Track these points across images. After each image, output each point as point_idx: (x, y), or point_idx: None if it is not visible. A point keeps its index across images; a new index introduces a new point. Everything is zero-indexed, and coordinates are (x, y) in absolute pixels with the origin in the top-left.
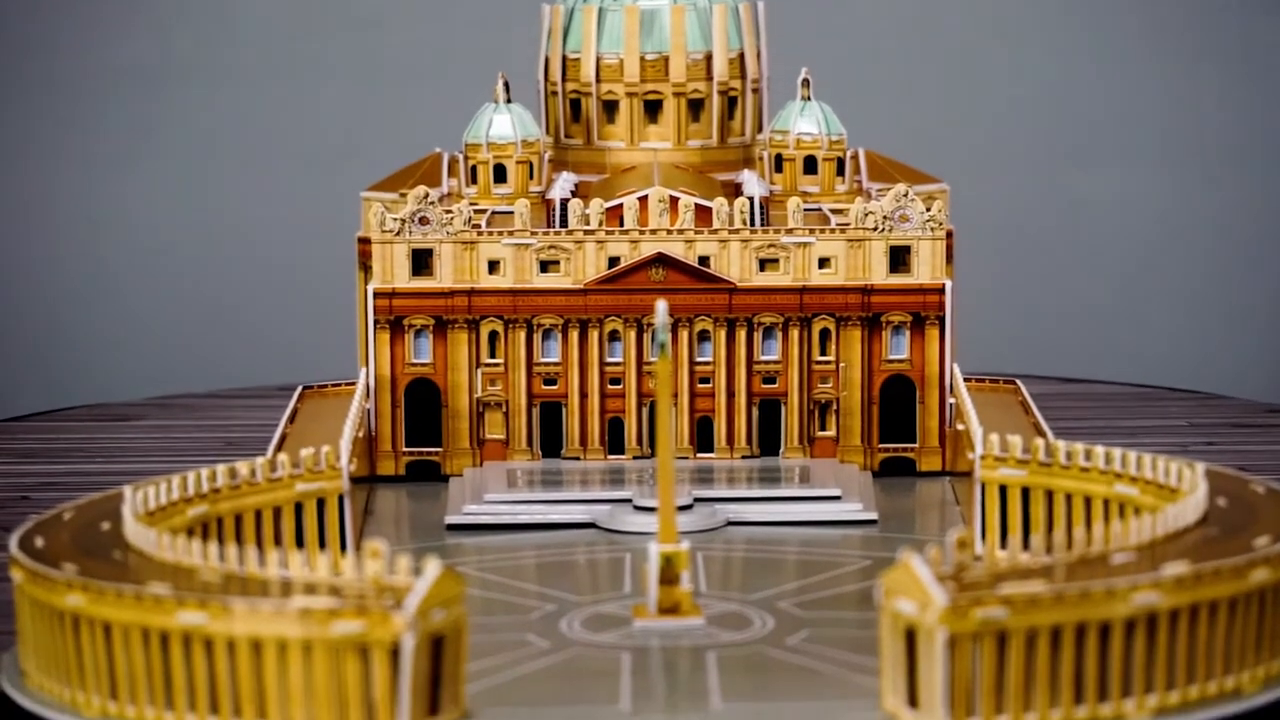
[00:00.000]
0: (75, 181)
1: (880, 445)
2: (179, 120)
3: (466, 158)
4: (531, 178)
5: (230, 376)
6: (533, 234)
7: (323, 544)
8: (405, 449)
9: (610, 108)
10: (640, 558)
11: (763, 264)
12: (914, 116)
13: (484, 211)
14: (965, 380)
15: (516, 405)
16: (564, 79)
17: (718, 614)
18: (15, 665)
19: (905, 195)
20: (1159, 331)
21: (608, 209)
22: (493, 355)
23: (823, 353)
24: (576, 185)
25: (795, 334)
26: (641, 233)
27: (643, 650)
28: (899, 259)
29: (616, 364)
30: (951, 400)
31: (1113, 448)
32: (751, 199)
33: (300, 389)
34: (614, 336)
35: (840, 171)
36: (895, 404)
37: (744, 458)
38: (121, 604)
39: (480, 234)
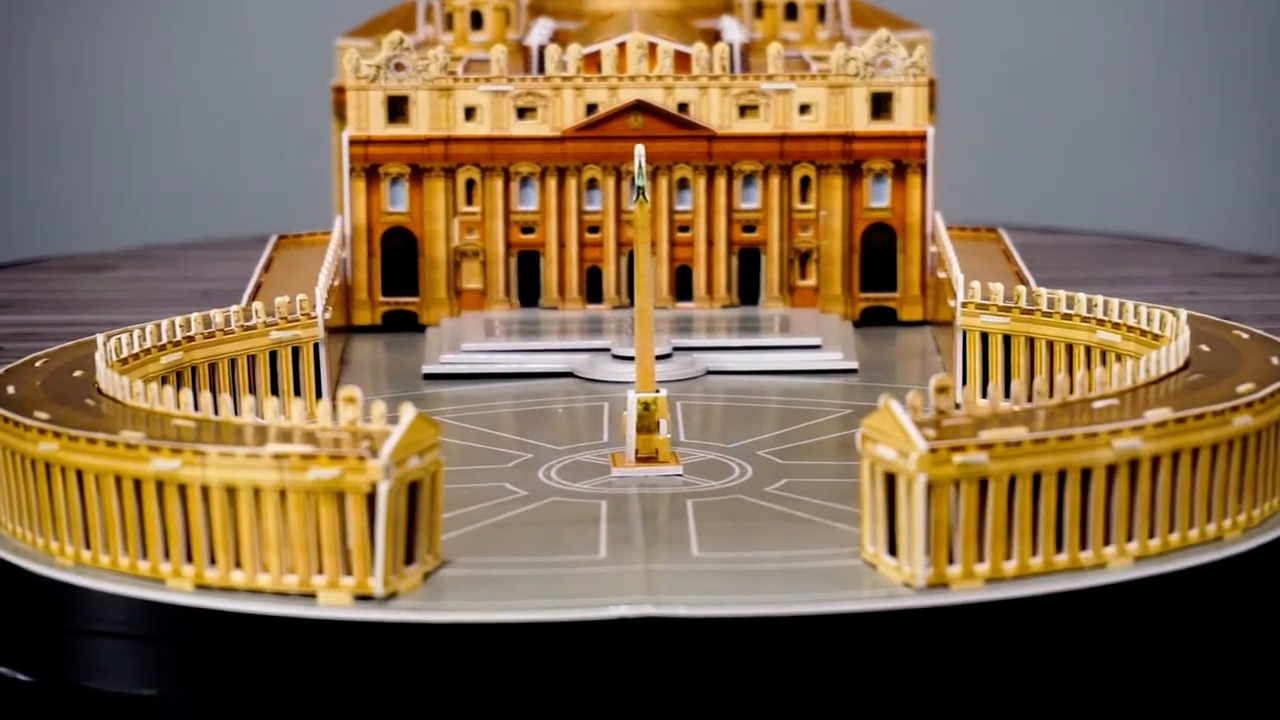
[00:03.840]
0: (47, 35)
1: (861, 294)
2: None
3: (443, 4)
4: (508, 24)
5: (205, 226)
6: (510, 80)
7: (298, 393)
8: (381, 298)
9: None
10: (619, 406)
11: (743, 111)
12: None
13: (460, 58)
14: (947, 229)
15: (494, 254)
16: None
17: (696, 462)
18: None
19: (887, 41)
20: (1142, 180)
21: (586, 55)
22: (470, 204)
23: (803, 201)
24: (555, 32)
25: (775, 182)
26: (620, 79)
27: (621, 498)
28: (880, 106)
29: (595, 212)
30: (933, 249)
31: (1095, 295)
32: (731, 45)
33: (275, 238)
34: (592, 184)
35: (822, 18)
36: (876, 253)
37: (724, 307)
38: (94, 451)
39: (456, 80)
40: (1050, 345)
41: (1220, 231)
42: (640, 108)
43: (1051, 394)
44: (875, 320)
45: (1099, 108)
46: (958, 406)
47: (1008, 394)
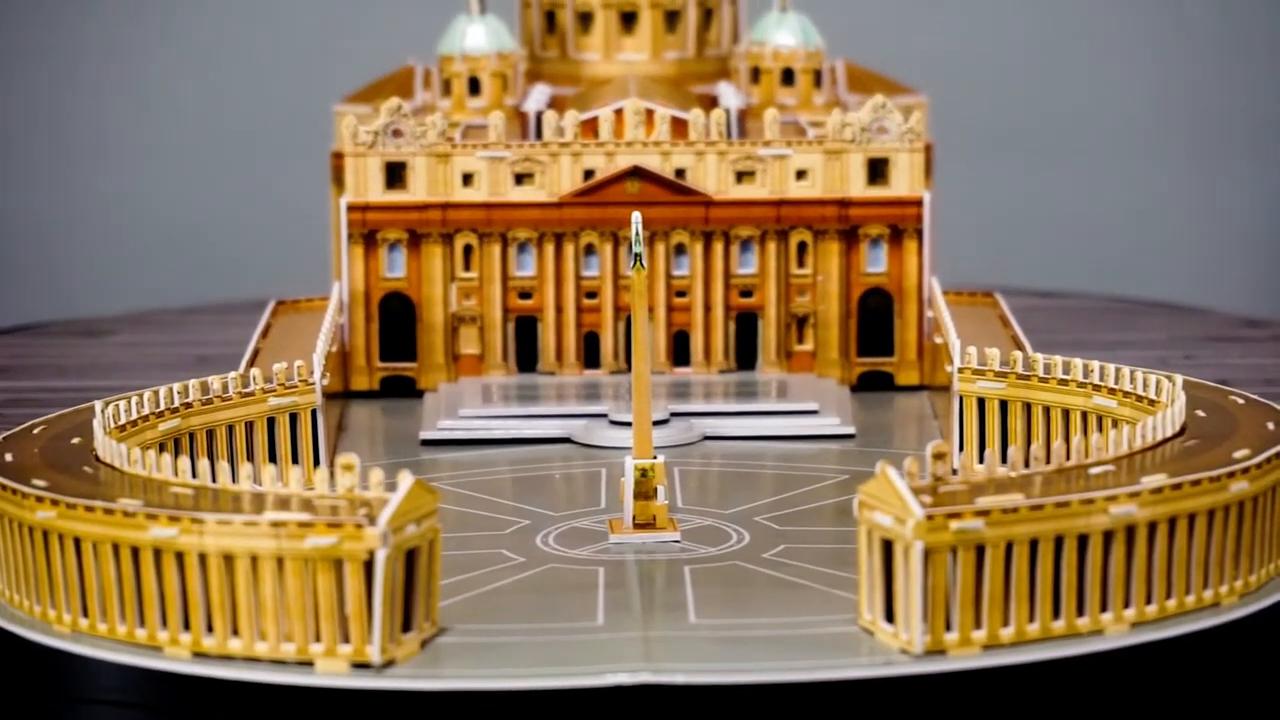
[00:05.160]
0: (46, 99)
1: (858, 359)
2: (151, 34)
3: (440, 70)
4: (506, 90)
5: (204, 291)
6: (507, 147)
7: (295, 460)
8: (379, 364)
9: (585, 19)
10: (616, 472)
11: (739, 176)
12: (893, 27)
13: (458, 124)
14: (943, 293)
15: (491, 319)
16: None
17: (694, 528)
18: None
19: (883, 107)
20: (1138, 244)
21: (583, 121)
22: (467, 269)
23: (800, 266)
24: (552, 98)
25: (772, 247)
26: (617, 145)
27: (618, 565)
28: (877, 171)
29: (593, 278)
30: (930, 313)
31: (1091, 361)
32: (728, 111)
33: (273, 303)
34: (590, 250)
35: (818, 83)
36: (873, 317)
37: (721, 372)
38: (92, 519)
39: (454, 147)
40: (1047, 411)
41: (1216, 294)
42: (637, 173)
43: (1048, 460)
44: (872, 385)
45: (1095, 170)
46: (954, 472)
47: (1004, 459)
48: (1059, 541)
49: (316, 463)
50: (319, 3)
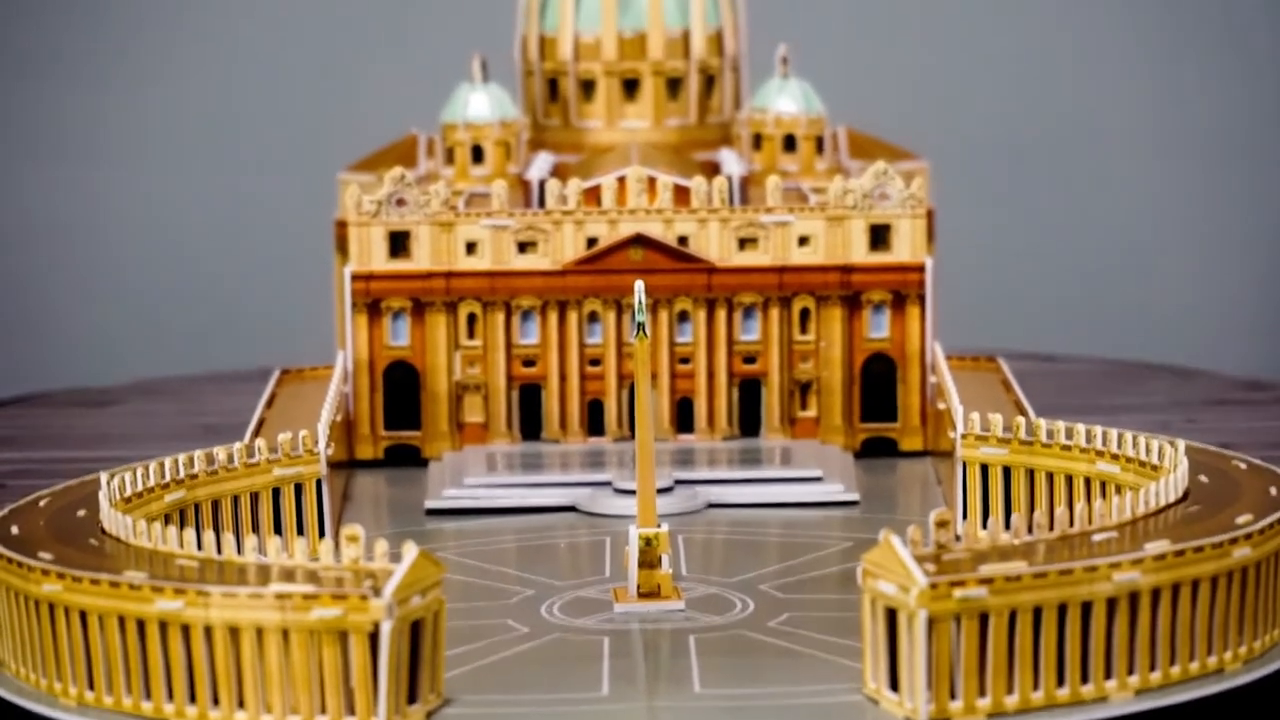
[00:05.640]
0: (48, 167)
1: (861, 425)
2: (153, 102)
3: (443, 138)
4: (509, 158)
5: (208, 360)
6: (510, 215)
7: (300, 529)
8: (384, 432)
9: (588, 87)
10: (620, 541)
11: (742, 243)
12: (894, 94)
13: (461, 192)
14: (946, 358)
15: (495, 387)
16: (541, 58)
17: (699, 597)
18: None
19: (885, 173)
20: (1139, 307)
21: (586, 189)
22: (471, 337)
23: (803, 332)
24: (555, 165)
25: (775, 313)
26: (620, 213)
27: (623, 634)
28: (879, 237)
29: (596, 345)
30: (933, 379)
31: (1094, 425)
32: (730, 178)
33: (278, 372)
34: (593, 317)
35: (820, 149)
36: (876, 383)
37: (725, 439)
38: (98, 591)
39: (458, 215)
40: (1050, 476)
41: (1219, 357)
42: (640, 241)
43: (1051, 527)
44: (876, 451)
45: (1097, 233)
46: (958, 539)
47: (1008, 526)
48: (1063, 609)
49: (321, 533)
50: (322, 72)
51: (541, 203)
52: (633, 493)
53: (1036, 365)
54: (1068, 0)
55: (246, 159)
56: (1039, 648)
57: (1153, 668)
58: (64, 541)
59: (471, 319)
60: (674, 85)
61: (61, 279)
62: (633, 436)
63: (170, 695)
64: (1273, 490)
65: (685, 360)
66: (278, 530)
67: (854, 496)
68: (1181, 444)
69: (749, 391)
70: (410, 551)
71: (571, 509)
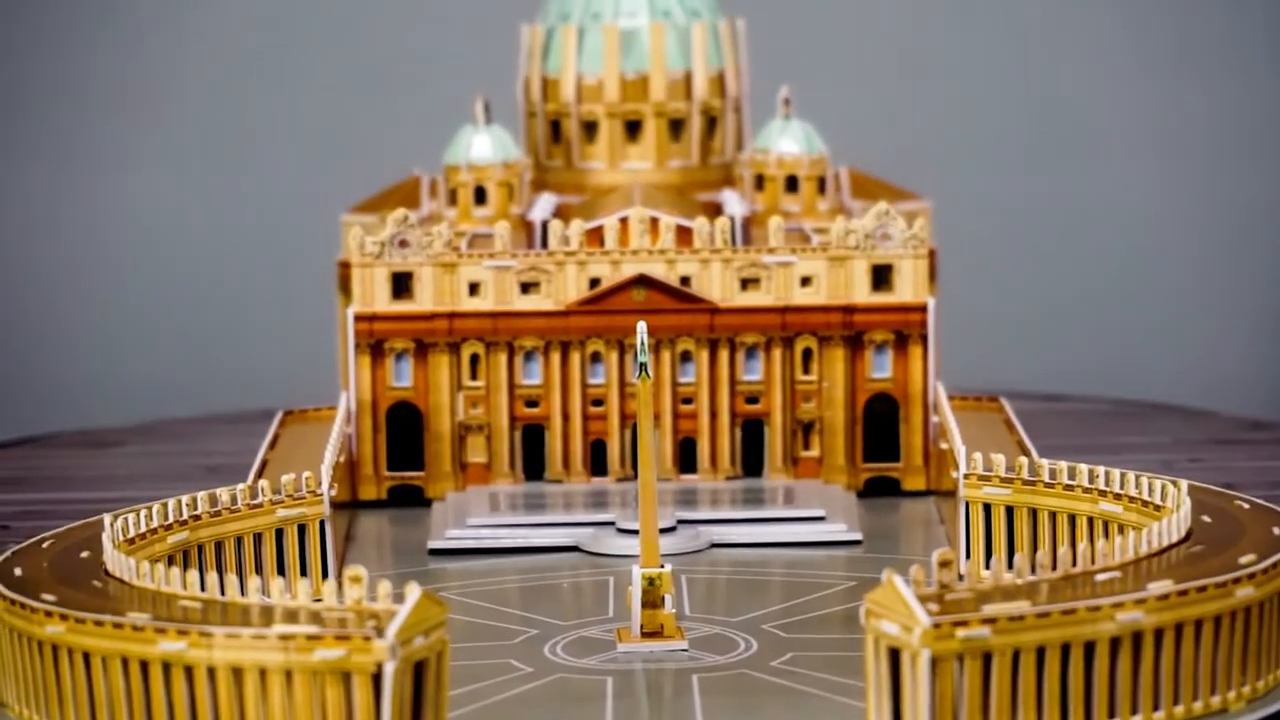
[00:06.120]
0: (52, 209)
1: (864, 464)
2: (157, 143)
3: (446, 180)
4: (512, 199)
5: (212, 401)
6: (513, 256)
7: (304, 570)
8: (387, 473)
9: (590, 128)
10: (624, 581)
11: (744, 283)
12: (896, 134)
13: (464, 233)
14: (949, 398)
15: (498, 428)
16: (544, 100)
17: (702, 637)
18: None
19: (886, 213)
20: (1142, 347)
21: (588, 230)
22: (474, 378)
23: (805, 372)
24: (557, 206)
25: (778, 354)
26: (622, 253)
27: (626, 674)
28: (881, 277)
29: (599, 385)
30: (935, 419)
31: (1096, 465)
32: (733, 218)
33: (281, 413)
34: (596, 358)
35: (822, 190)
36: (879, 423)
37: (728, 479)
38: (101, 633)
39: (460, 256)
40: (1053, 516)
41: (1221, 397)
42: (643, 282)
43: (1054, 567)
44: (879, 490)
45: (1099, 272)
46: (961, 579)
47: (1011, 566)
48: (1066, 649)
49: (325, 574)
50: (325, 114)
51: (544, 243)
52: (636, 532)
53: (1039, 405)
54: (1071, 41)
55: (250, 200)
56: (1042, 688)
57: (1156, 707)
58: (67, 583)
59: (474, 359)
60: (676, 126)
61: (66, 321)
62: (635, 476)
63: None
64: (1275, 530)
65: (688, 400)
66: (281, 571)
67: (857, 536)
68: (1184, 484)
69: (751, 431)
70: (413, 592)
71: (575, 549)
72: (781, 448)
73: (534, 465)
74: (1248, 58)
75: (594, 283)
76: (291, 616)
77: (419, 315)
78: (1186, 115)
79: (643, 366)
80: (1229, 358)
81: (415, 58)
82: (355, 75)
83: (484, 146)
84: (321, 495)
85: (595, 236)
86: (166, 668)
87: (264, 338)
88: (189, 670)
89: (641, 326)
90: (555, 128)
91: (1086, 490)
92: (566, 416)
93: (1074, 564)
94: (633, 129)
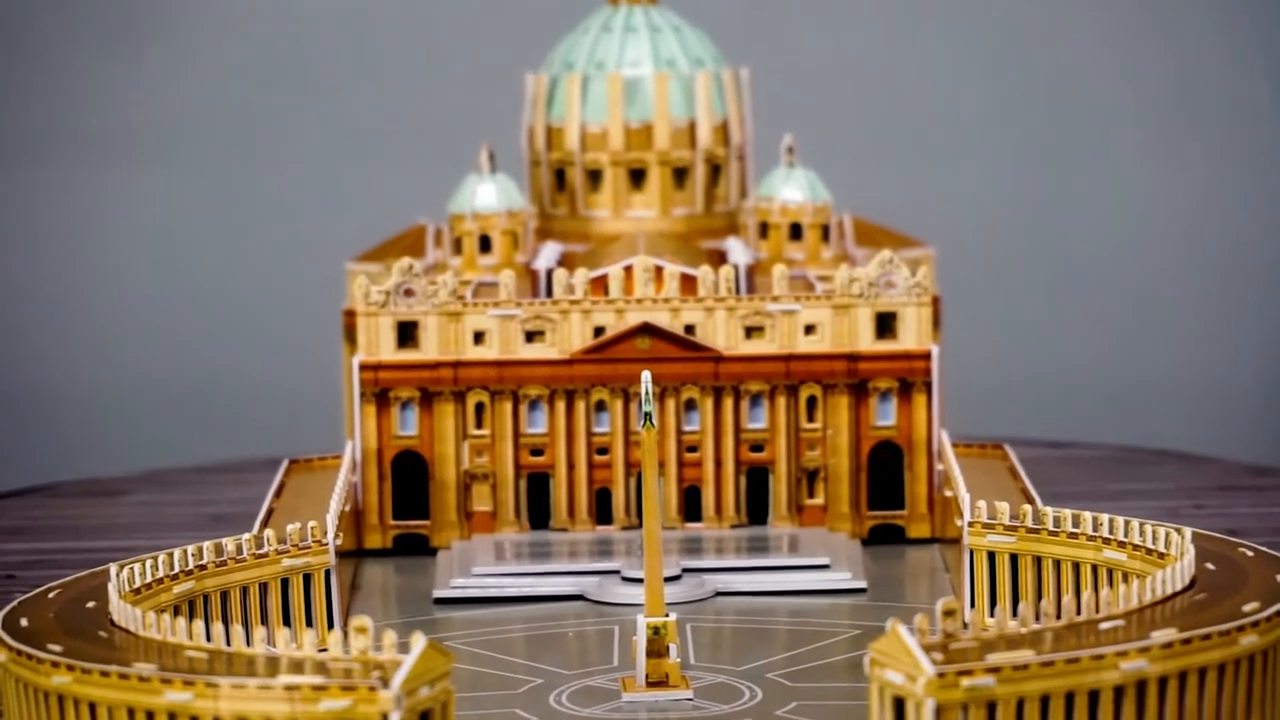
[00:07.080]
0: (56, 255)
1: (869, 512)
2: (161, 191)
3: (451, 228)
4: (516, 248)
5: (217, 451)
6: (518, 304)
7: (309, 620)
8: (392, 522)
9: (595, 177)
10: (629, 629)
11: (749, 331)
12: (900, 181)
13: (469, 282)
14: (953, 446)
15: (504, 476)
16: (548, 148)
17: (707, 686)
18: None
19: (890, 261)
20: (1145, 394)
21: (593, 278)
22: (479, 426)
23: (810, 420)
24: (562, 255)
25: (782, 401)
26: (627, 302)
27: None
28: (885, 325)
29: (604, 434)
30: (939, 466)
31: (1100, 513)
32: (737, 267)
33: (286, 462)
34: (601, 406)
35: (826, 238)
36: (883, 470)
37: (732, 527)
38: (107, 684)
39: (465, 305)
40: (1057, 564)
41: (1225, 443)
42: (647, 330)
43: (1058, 615)
44: (883, 538)
45: (1103, 319)
46: (965, 628)
47: (1015, 614)
48: (1070, 697)
49: (330, 624)
50: (329, 163)
51: (549, 292)
52: (640, 581)
53: (1044, 452)
54: (1076, 89)
55: (254, 249)
56: None
57: None
58: (73, 633)
59: (479, 408)
60: (680, 175)
61: (71, 371)
62: (640, 525)
63: None
64: (1279, 577)
65: (693, 449)
66: (286, 621)
67: (861, 584)
68: (1188, 531)
69: (756, 479)
70: (419, 642)
71: (579, 598)
72: (786, 495)
73: (539, 514)
74: (1251, 109)
75: (599, 331)
76: (297, 667)
77: (424, 364)
78: (1189, 164)
79: (647, 416)
80: (1233, 404)
81: (419, 107)
82: (360, 124)
83: (489, 195)
84: (327, 545)
85: (600, 285)
86: (172, 718)
87: (269, 387)
88: None
89: (646, 376)
90: (560, 176)
91: (1090, 538)
92: (571, 465)
93: (1078, 612)
94: (637, 177)
